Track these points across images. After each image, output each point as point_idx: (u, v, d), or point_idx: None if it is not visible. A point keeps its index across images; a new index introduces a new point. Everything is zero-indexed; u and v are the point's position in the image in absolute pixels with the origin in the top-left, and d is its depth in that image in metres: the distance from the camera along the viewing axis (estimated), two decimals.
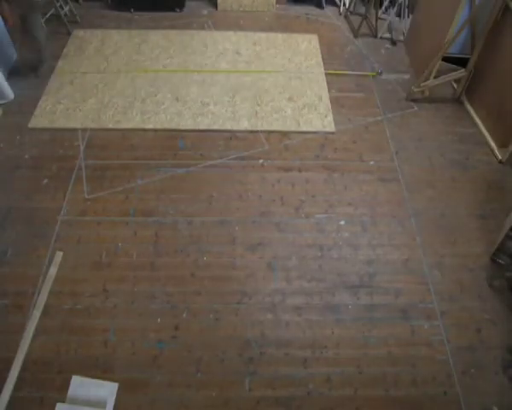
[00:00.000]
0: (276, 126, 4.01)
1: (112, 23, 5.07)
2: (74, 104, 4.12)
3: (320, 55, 4.79)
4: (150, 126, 3.95)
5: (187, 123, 3.99)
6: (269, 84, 4.41)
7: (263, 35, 5.02)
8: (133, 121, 3.99)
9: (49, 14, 4.86)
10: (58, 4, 4.82)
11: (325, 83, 4.47)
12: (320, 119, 4.11)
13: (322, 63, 4.70)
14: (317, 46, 4.92)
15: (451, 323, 2.89)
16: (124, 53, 4.68)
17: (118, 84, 4.33)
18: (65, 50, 4.69)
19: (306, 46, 4.90)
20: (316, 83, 4.46)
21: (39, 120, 3.98)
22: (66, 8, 5.00)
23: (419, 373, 2.68)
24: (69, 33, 4.90)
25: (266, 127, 4.00)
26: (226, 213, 3.38)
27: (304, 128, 4.00)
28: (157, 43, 4.81)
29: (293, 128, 4.00)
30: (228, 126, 3.99)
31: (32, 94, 4.19)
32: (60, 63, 4.54)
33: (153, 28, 5.00)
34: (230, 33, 5.01)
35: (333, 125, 4.07)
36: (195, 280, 3.01)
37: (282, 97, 4.28)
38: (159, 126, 3.96)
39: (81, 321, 2.79)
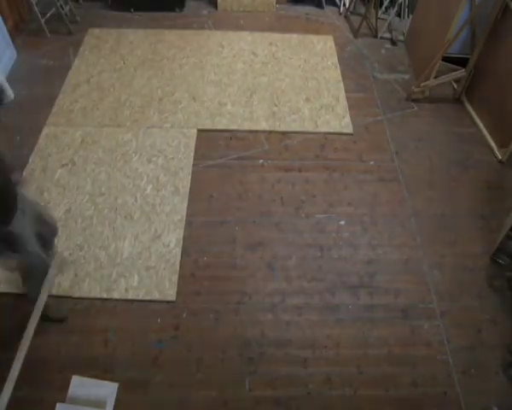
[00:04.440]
0: (294, 127, 4.01)
1: (112, 23, 5.07)
2: (91, 103, 4.14)
3: (336, 57, 4.80)
4: (168, 126, 3.98)
5: (205, 123, 4.00)
6: (285, 84, 4.42)
7: (278, 35, 5.03)
8: (151, 120, 4.01)
9: (49, 15, 4.87)
10: (58, 4, 4.82)
11: (342, 84, 4.47)
12: (338, 120, 4.11)
13: (338, 64, 4.70)
14: (333, 47, 4.93)
15: (451, 323, 2.89)
16: (140, 52, 4.70)
17: (134, 84, 4.35)
18: (81, 49, 4.71)
19: (322, 47, 4.92)
20: (332, 84, 4.46)
21: (56, 118, 3.99)
22: (67, 8, 5.01)
23: (419, 373, 2.68)
24: (70, 33, 4.91)
25: (284, 128, 4.00)
26: (226, 213, 3.38)
27: (322, 129, 4.00)
28: (173, 43, 4.82)
29: (311, 129, 4.00)
30: (245, 127, 3.99)
31: (31, 94, 4.20)
32: (76, 62, 4.56)
33: (153, 28, 5.00)
34: (246, 33, 5.03)
35: (351, 126, 4.07)
36: (195, 280, 3.01)
37: (299, 98, 4.28)
38: (176, 126, 3.98)
39: (81, 321, 2.79)
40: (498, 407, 2.58)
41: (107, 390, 2.47)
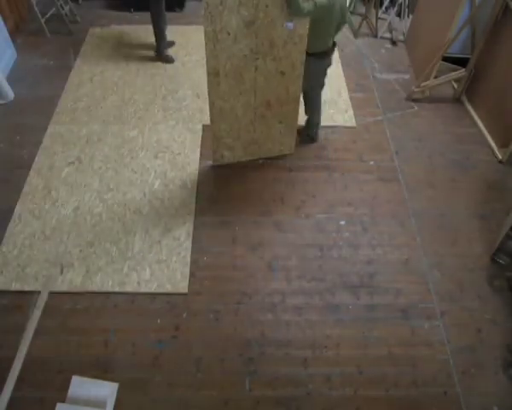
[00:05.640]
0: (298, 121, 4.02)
1: (112, 23, 5.07)
2: (95, 101, 4.15)
3: (337, 51, 4.80)
4: (173, 123, 3.99)
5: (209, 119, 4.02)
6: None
7: None
8: (156, 117, 4.03)
9: (49, 14, 4.87)
10: (58, 4, 4.82)
11: (343, 79, 4.51)
12: (341, 114, 4.15)
13: (339, 60, 4.72)
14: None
15: (451, 323, 2.89)
16: (142, 51, 4.70)
17: (138, 82, 4.36)
18: (82, 48, 4.73)
19: None
20: (335, 79, 4.48)
21: (60, 117, 4.01)
22: (67, 8, 5.01)
23: (419, 373, 2.68)
24: (70, 33, 4.91)
25: None
26: (226, 213, 3.38)
27: (325, 123, 4.01)
28: (175, 41, 4.82)
29: None
30: None
31: (32, 94, 4.21)
32: (78, 61, 4.57)
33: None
34: None
35: (353, 119, 4.12)
36: (195, 280, 3.01)
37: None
38: (181, 122, 4.00)
39: (81, 321, 2.79)
40: (498, 406, 2.58)
41: (107, 390, 2.48)
